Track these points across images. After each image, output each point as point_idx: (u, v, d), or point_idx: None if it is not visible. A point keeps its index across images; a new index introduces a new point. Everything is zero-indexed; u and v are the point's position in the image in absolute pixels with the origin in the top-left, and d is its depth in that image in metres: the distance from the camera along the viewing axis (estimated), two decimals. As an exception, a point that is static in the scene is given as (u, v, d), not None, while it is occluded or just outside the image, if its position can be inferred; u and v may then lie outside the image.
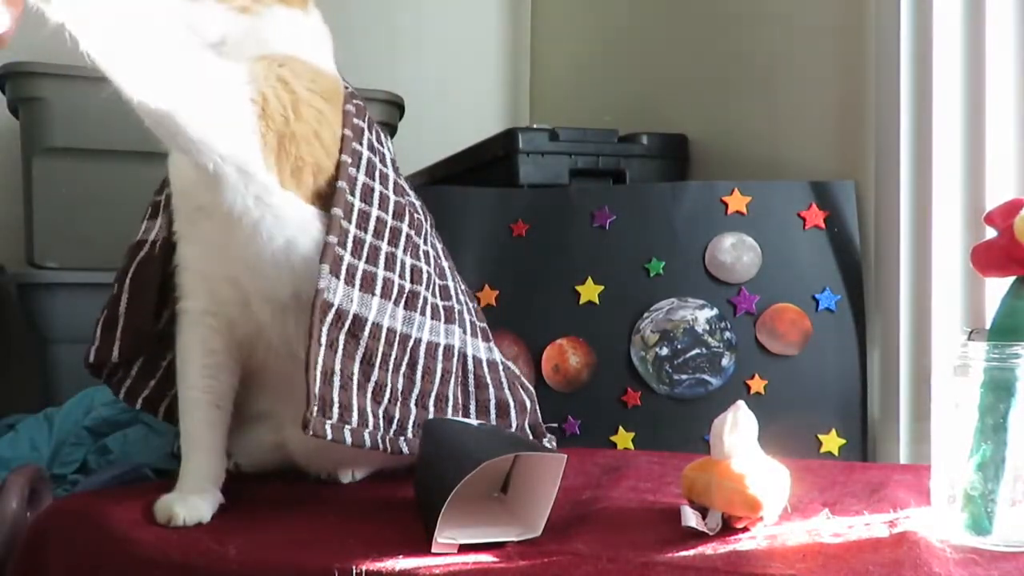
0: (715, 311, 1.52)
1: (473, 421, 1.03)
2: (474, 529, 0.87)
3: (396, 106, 1.99)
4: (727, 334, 1.52)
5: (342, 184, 1.00)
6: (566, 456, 0.89)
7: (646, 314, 1.53)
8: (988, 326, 0.92)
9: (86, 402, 1.41)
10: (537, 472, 0.90)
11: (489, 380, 1.19)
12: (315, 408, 0.93)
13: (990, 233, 0.94)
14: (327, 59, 1.07)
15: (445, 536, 0.85)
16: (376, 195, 1.06)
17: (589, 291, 1.55)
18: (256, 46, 0.96)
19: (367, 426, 1.00)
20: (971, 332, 0.93)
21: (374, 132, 1.10)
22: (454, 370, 1.14)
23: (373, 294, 1.01)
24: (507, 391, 1.20)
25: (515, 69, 2.56)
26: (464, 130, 2.06)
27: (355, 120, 1.06)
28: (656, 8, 2.06)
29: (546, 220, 1.59)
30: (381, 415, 1.03)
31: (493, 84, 2.60)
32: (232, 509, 1.01)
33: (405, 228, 1.09)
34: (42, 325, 1.69)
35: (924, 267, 1.42)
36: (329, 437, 0.95)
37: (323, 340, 0.95)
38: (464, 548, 0.85)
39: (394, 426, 1.05)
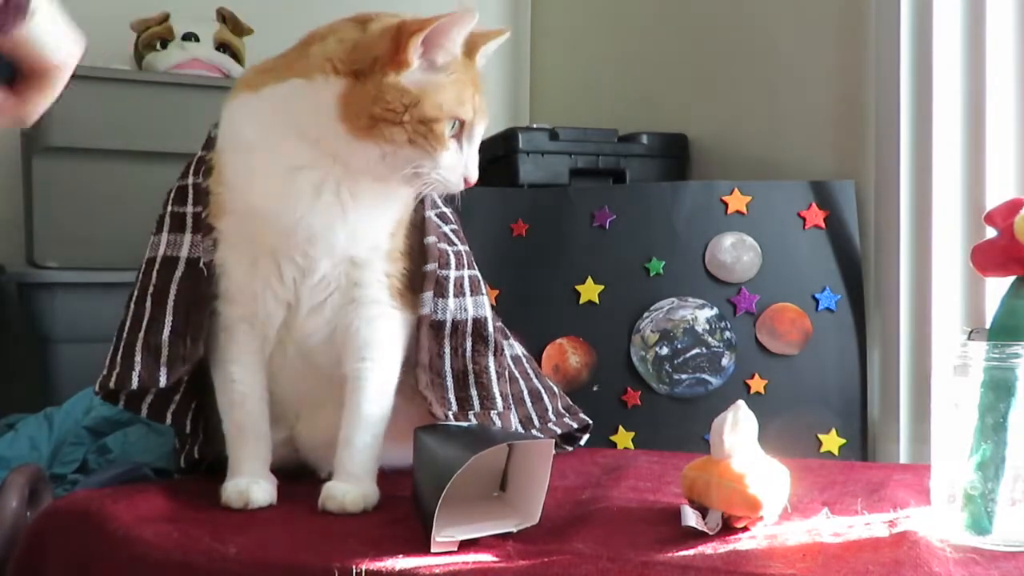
0: (715, 311, 1.52)
1: (464, 423, 1.04)
2: (473, 526, 0.87)
3: (396, 106, 1.99)
4: (727, 334, 1.52)
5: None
6: (553, 440, 0.92)
7: (646, 314, 1.53)
8: (988, 326, 0.92)
9: (86, 402, 1.41)
10: (531, 463, 0.91)
11: (517, 374, 1.23)
12: (454, 405, 1.07)
13: (990, 233, 0.94)
14: None
15: (444, 535, 0.85)
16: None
17: (589, 291, 1.55)
18: None
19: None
20: (971, 332, 0.93)
21: None
22: None
23: (480, 294, 1.15)
24: (535, 380, 1.26)
25: (515, 69, 2.55)
26: (464, 130, 2.05)
27: None
28: (656, 8, 2.05)
29: (546, 220, 1.59)
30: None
31: (493, 84, 2.59)
32: (232, 509, 1.01)
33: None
34: (42, 325, 1.68)
35: (924, 267, 1.42)
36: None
37: (446, 352, 1.09)
38: (464, 546, 0.85)
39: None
